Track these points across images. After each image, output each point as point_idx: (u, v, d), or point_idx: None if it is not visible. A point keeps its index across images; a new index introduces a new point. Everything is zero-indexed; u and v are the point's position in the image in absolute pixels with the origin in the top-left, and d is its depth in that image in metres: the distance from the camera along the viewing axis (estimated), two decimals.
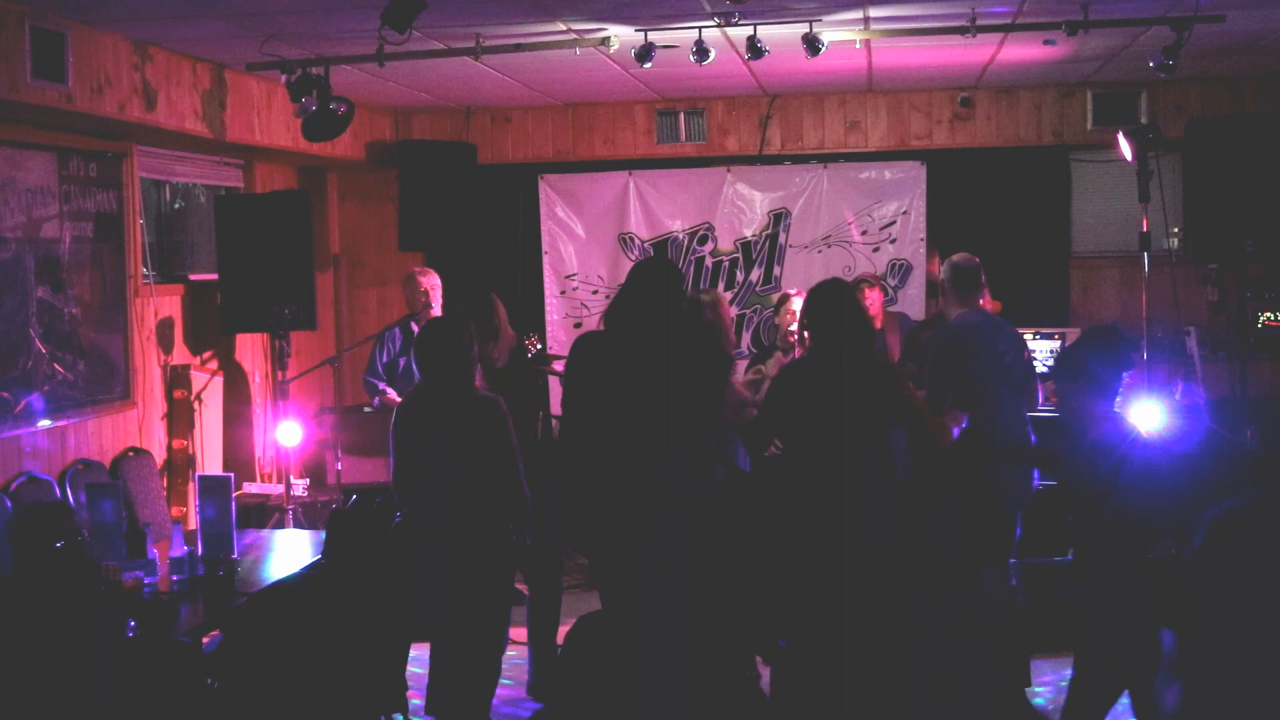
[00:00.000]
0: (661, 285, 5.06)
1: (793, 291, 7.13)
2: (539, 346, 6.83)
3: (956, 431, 5.63)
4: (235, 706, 4.33)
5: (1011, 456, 5.54)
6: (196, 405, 7.50)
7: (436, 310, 7.50)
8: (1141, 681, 4.36)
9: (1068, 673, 5.71)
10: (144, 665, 3.87)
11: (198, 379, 7.53)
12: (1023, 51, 7.10)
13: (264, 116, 7.41)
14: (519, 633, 6.22)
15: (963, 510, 5.46)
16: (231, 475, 5.33)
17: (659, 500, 4.85)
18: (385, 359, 7.58)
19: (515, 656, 6.26)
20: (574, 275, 9.06)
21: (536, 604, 5.87)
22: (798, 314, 6.89)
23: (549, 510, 5.81)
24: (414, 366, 7.37)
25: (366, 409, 8.00)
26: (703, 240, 8.97)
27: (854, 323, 5.04)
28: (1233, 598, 2.86)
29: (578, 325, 9.04)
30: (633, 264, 8.56)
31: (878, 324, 7.60)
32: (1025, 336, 7.37)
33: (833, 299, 5.10)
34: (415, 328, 7.44)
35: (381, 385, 7.52)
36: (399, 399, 7.33)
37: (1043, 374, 6.48)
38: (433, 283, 7.48)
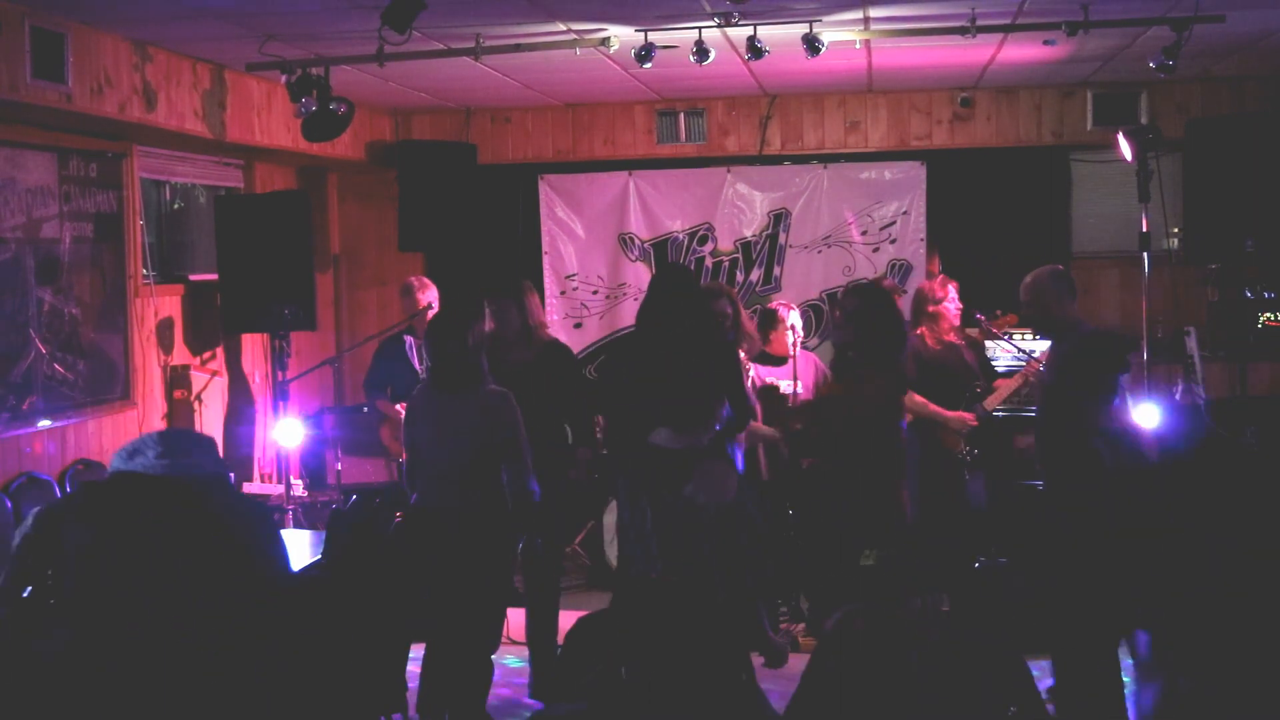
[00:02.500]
0: (681, 288, 5.25)
1: (781, 305, 7.16)
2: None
3: None
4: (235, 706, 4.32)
5: None
6: (196, 405, 7.50)
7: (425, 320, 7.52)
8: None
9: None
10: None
11: (198, 379, 7.53)
12: (1023, 51, 7.10)
13: (264, 116, 7.41)
14: (521, 633, 6.22)
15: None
16: (232, 475, 5.33)
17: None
18: (383, 370, 7.56)
19: (516, 658, 6.26)
20: (574, 275, 9.05)
21: (536, 606, 5.87)
22: (795, 329, 6.94)
23: (551, 511, 5.82)
24: (408, 375, 7.46)
25: (366, 409, 8.01)
26: (703, 240, 8.97)
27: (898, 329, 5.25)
28: (1200, 596, 2.87)
29: (578, 325, 9.04)
30: (652, 270, 8.73)
31: None
32: (1025, 336, 7.42)
33: (883, 304, 5.29)
34: (409, 341, 7.42)
35: (377, 397, 7.55)
36: (391, 405, 7.36)
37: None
38: (431, 296, 7.46)
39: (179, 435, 3.77)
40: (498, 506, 5.05)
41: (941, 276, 7.08)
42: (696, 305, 5.40)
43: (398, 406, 7.35)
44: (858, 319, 5.27)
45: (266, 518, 3.78)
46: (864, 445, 5.21)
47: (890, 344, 5.24)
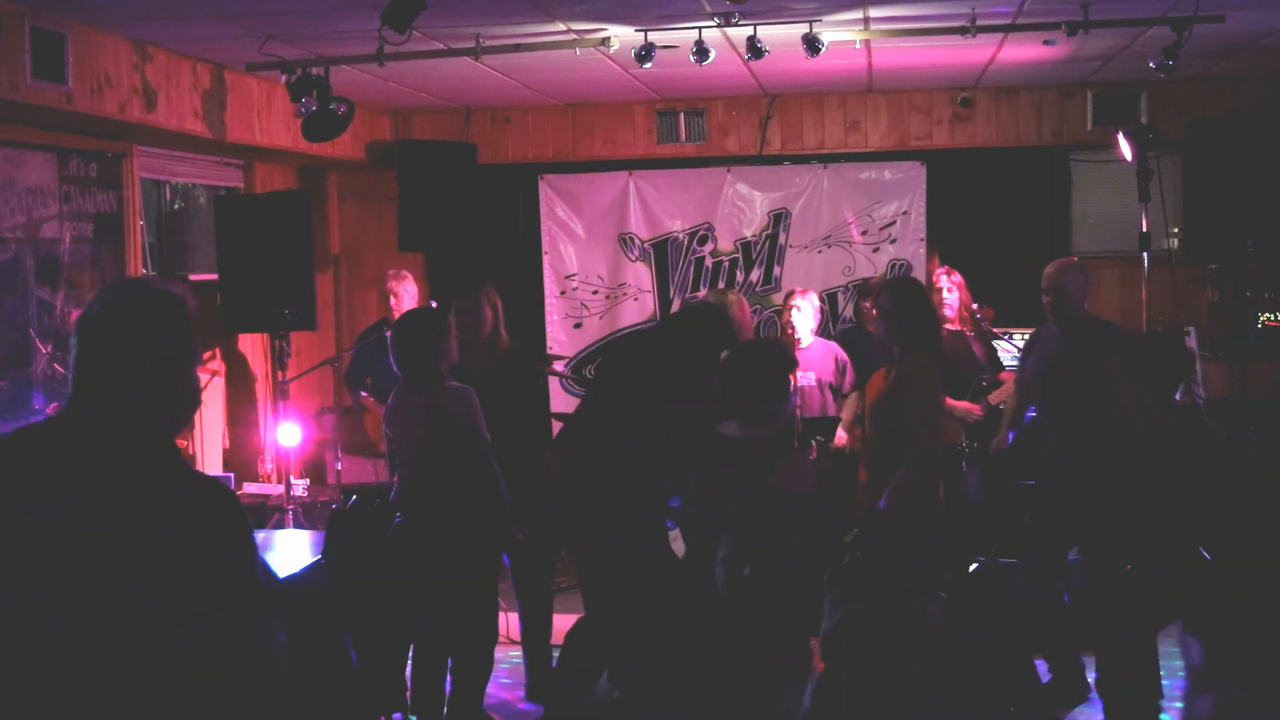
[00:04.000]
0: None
1: (795, 293, 7.14)
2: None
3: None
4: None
5: None
6: None
7: (401, 312, 7.61)
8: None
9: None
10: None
11: None
12: (1023, 51, 7.10)
13: (264, 116, 7.41)
14: (518, 633, 6.20)
15: None
16: (231, 475, 5.34)
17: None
18: (363, 360, 7.65)
19: (516, 658, 6.25)
20: (574, 275, 9.05)
21: (528, 607, 5.85)
22: (793, 314, 6.93)
23: (542, 512, 5.82)
24: (383, 367, 7.53)
25: (352, 403, 8.05)
26: (703, 240, 8.96)
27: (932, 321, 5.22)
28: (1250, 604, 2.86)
29: (578, 325, 9.05)
30: (652, 270, 8.74)
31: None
32: (1025, 336, 7.41)
33: (919, 296, 5.26)
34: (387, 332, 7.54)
35: (361, 391, 7.62)
36: (372, 400, 7.43)
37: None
38: (405, 288, 7.57)
39: None
40: (469, 505, 5.08)
41: (945, 267, 7.09)
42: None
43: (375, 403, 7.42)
44: (892, 314, 5.27)
45: None
46: (905, 428, 5.17)
47: (927, 333, 5.24)
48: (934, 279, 7.05)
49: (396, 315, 7.58)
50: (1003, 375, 6.88)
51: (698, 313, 5.73)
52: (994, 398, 6.75)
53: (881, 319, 5.29)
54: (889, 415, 5.17)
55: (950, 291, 6.88)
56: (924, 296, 5.44)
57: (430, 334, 5.17)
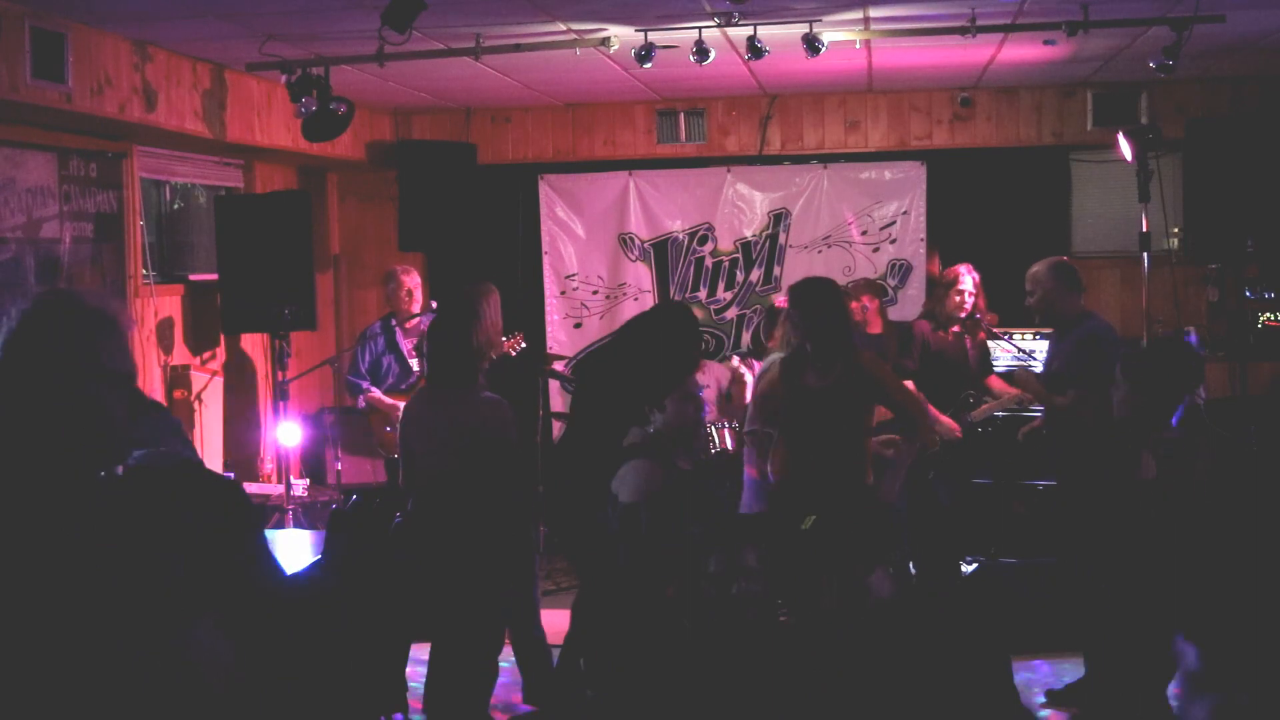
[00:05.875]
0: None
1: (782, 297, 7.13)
2: (523, 345, 6.95)
3: None
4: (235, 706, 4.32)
5: None
6: (196, 405, 7.50)
7: (416, 308, 7.61)
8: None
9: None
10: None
11: (198, 379, 7.53)
12: (1023, 51, 7.10)
13: (264, 116, 7.41)
14: None
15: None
16: (231, 475, 5.34)
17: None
18: (369, 359, 7.59)
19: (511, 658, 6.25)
20: (574, 275, 9.05)
21: (516, 608, 5.81)
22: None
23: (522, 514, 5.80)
24: (397, 364, 7.52)
25: (360, 401, 8.05)
26: (703, 240, 8.96)
27: (837, 321, 5.15)
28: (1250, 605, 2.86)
29: (578, 325, 9.05)
30: (652, 271, 8.76)
31: (875, 329, 7.54)
32: (1026, 336, 7.42)
33: (814, 297, 5.20)
34: (395, 325, 7.54)
35: (365, 385, 7.56)
36: (384, 397, 7.39)
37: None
38: (414, 281, 7.61)
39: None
40: (494, 509, 5.06)
41: (968, 265, 6.99)
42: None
43: (390, 401, 7.41)
44: (798, 314, 5.27)
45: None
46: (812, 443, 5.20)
47: (829, 337, 5.19)
48: (957, 278, 6.91)
49: (412, 310, 7.58)
50: (989, 380, 6.85)
51: (666, 310, 5.74)
52: (976, 415, 6.71)
53: (789, 319, 5.29)
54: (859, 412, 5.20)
55: (971, 295, 6.79)
56: (834, 301, 5.36)
57: (475, 331, 5.09)
